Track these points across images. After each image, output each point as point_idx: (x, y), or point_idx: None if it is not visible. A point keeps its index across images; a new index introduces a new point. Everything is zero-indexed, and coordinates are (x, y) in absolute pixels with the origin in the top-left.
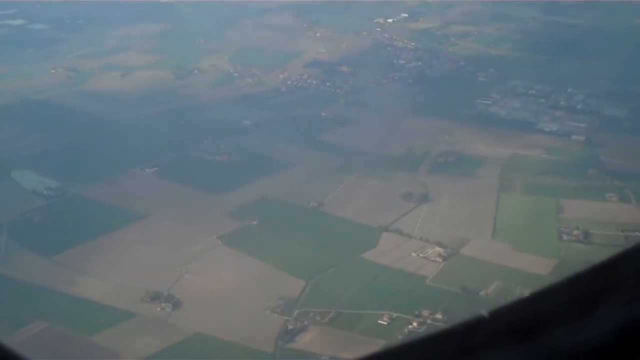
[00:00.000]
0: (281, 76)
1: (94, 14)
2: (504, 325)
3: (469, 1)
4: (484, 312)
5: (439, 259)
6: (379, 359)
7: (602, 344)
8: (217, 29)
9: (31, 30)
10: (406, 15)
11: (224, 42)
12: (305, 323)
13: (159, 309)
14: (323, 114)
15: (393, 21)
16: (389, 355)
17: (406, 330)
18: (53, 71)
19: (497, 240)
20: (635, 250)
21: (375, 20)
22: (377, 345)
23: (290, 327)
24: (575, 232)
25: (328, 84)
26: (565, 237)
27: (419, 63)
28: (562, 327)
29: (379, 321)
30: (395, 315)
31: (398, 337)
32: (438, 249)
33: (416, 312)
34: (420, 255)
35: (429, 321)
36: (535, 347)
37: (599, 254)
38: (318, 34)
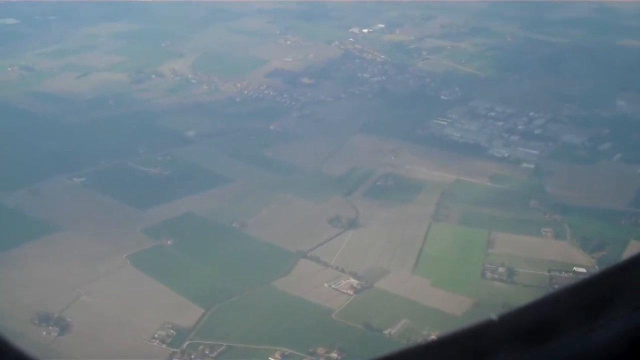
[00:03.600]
0: (239, 85)
1: (69, 11)
2: (513, 329)
3: (452, 13)
4: (493, 316)
5: (351, 292)
6: None
7: (612, 350)
8: (188, 32)
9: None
10: (383, 26)
11: (192, 45)
12: (192, 356)
13: (44, 333)
14: (272, 128)
15: (368, 31)
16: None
17: None
18: (9, 69)
19: (417, 275)
20: None
21: (350, 30)
22: None
23: None
24: (500, 269)
25: (285, 95)
26: (488, 275)
27: (383, 78)
28: (571, 332)
29: (270, 358)
30: (288, 352)
31: None
32: (352, 280)
33: (311, 350)
34: (332, 286)
35: None
36: (543, 352)
37: (517, 295)
38: (289, 42)
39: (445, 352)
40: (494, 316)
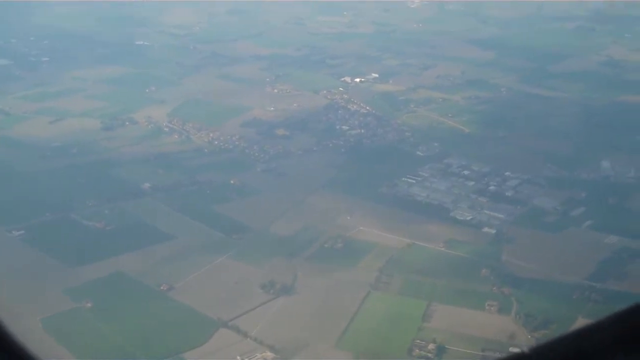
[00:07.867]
0: (211, 135)
1: (64, 52)
2: None
3: (454, 62)
4: (526, 349)
5: None
6: None
7: None
8: (177, 77)
9: None
10: (377, 75)
11: (177, 91)
12: None
13: None
14: (232, 182)
15: (360, 81)
16: None
17: None
18: None
19: (340, 349)
20: None
21: (342, 79)
22: None
23: None
24: (430, 346)
25: (255, 147)
26: (415, 352)
27: (362, 130)
28: None
29: None
30: None
31: None
32: (268, 353)
33: None
34: None
35: None
36: None
37: None
38: (276, 90)
39: None
40: (526, 349)
